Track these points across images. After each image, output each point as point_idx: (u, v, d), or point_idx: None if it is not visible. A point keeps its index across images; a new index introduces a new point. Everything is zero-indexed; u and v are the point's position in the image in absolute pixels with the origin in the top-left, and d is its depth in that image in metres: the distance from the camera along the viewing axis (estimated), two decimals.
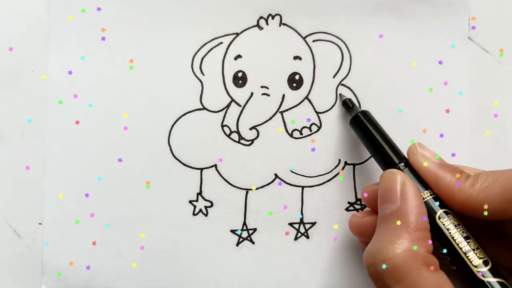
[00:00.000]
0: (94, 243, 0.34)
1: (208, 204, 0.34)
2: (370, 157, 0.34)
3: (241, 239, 0.34)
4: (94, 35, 0.35)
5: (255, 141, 0.34)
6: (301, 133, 0.35)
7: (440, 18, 0.34)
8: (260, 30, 0.35)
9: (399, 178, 0.27)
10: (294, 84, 0.35)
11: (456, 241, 0.25)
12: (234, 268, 0.34)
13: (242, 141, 0.34)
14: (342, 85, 0.35)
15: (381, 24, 0.35)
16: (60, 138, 0.35)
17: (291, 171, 0.34)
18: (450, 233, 0.26)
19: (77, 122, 0.34)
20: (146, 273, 0.34)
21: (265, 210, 0.34)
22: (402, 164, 0.29)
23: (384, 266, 0.24)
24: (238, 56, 0.35)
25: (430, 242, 0.25)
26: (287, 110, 0.35)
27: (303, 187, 0.35)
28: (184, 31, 0.35)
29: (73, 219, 0.34)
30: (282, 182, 0.34)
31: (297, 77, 0.35)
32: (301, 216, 0.34)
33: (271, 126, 0.35)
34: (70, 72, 0.35)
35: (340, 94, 0.34)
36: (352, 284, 0.34)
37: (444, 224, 0.26)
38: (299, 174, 0.34)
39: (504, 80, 0.35)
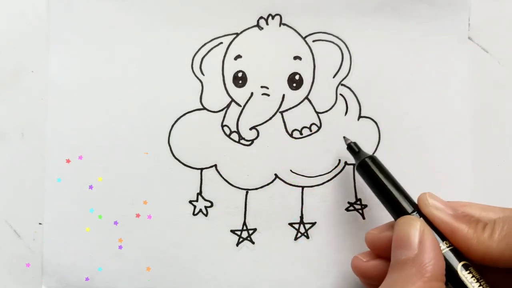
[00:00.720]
0: (94, 243, 0.34)
1: (208, 204, 0.34)
2: None
3: (241, 239, 0.35)
4: (94, 35, 0.35)
5: (255, 141, 0.34)
6: (301, 133, 0.35)
7: (440, 18, 0.34)
8: (260, 30, 0.35)
9: (419, 225, 0.26)
10: (294, 84, 0.35)
11: None
12: (234, 268, 0.34)
13: (242, 141, 0.34)
14: (342, 85, 0.35)
15: (381, 24, 0.35)
16: (60, 138, 0.35)
17: (291, 171, 0.34)
18: (473, 287, 0.25)
19: (77, 122, 0.34)
20: (146, 273, 0.34)
21: (265, 210, 0.34)
22: (415, 213, 0.28)
23: None
24: (238, 56, 0.35)
25: None
26: (287, 110, 0.35)
27: (303, 187, 0.35)
28: (184, 31, 0.35)
29: (73, 219, 0.34)
30: (282, 182, 0.34)
31: (297, 77, 0.35)
32: (301, 216, 0.35)
33: (271, 126, 0.35)
34: (70, 72, 0.35)
35: (344, 137, 0.33)
36: (352, 284, 0.34)
37: (466, 277, 0.25)
38: (299, 174, 0.34)
39: (504, 80, 0.35)
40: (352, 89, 0.35)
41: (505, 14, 0.35)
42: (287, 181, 0.34)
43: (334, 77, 0.35)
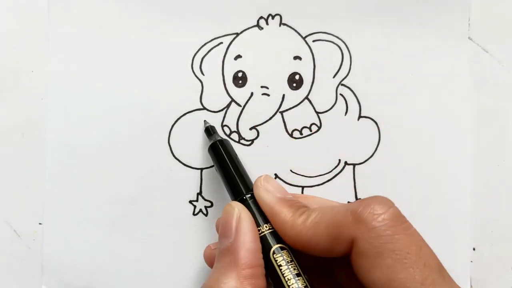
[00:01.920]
0: (94, 243, 0.34)
1: (208, 204, 0.34)
2: (370, 157, 0.34)
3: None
4: (94, 35, 0.35)
5: (255, 141, 0.34)
6: (301, 133, 0.35)
7: (440, 18, 0.34)
8: (260, 30, 0.35)
9: (236, 211, 0.26)
10: (294, 84, 0.35)
11: (286, 277, 0.25)
12: None
13: (242, 141, 0.34)
14: (342, 85, 0.35)
15: (381, 24, 0.35)
16: (60, 138, 0.35)
17: (291, 171, 0.34)
18: (281, 269, 0.25)
19: (77, 122, 0.34)
20: (146, 273, 0.34)
21: None
22: (249, 195, 0.28)
23: None
24: (238, 56, 0.35)
25: (261, 279, 0.25)
26: (287, 110, 0.35)
27: (303, 187, 0.35)
28: (184, 31, 0.35)
29: (73, 219, 0.34)
30: (282, 182, 0.34)
31: (297, 77, 0.35)
32: None
33: (271, 126, 0.35)
34: (70, 72, 0.35)
35: (204, 121, 0.34)
36: None
37: (276, 260, 0.25)
38: (299, 174, 0.34)
39: (504, 80, 0.35)
40: (352, 89, 0.35)
41: (505, 14, 0.35)
42: (287, 181, 0.34)
43: (334, 77, 0.35)
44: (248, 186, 0.29)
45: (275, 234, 0.26)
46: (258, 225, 0.27)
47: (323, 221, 0.24)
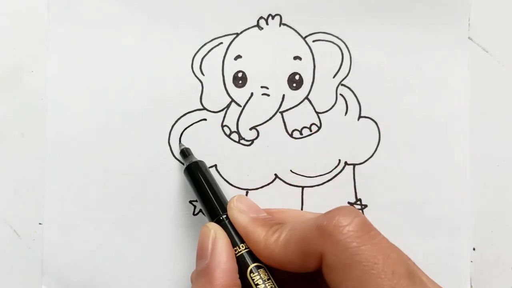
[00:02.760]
0: (94, 243, 0.34)
1: None
2: (370, 157, 0.34)
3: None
4: (94, 35, 0.35)
5: (255, 141, 0.34)
6: (301, 133, 0.35)
7: (440, 18, 0.34)
8: (260, 30, 0.35)
9: (211, 233, 0.27)
10: (294, 84, 0.35)
11: None
12: None
13: (242, 141, 0.34)
14: (342, 85, 0.35)
15: (381, 24, 0.35)
16: (60, 138, 0.35)
17: (291, 171, 0.34)
18: (258, 287, 0.25)
19: (77, 122, 0.34)
20: (146, 273, 0.34)
21: None
22: (225, 216, 0.28)
23: None
24: (238, 56, 0.35)
25: None
26: (287, 110, 0.35)
27: (303, 187, 0.35)
28: (184, 31, 0.35)
29: (73, 219, 0.34)
30: (282, 182, 0.34)
31: (297, 77, 0.35)
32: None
33: (271, 126, 0.35)
34: (70, 72, 0.35)
35: (179, 143, 0.34)
36: None
37: (253, 279, 0.26)
38: (299, 174, 0.34)
39: (504, 80, 0.35)
40: (352, 89, 0.35)
41: (505, 14, 0.35)
42: (287, 181, 0.34)
43: (334, 77, 0.35)
44: (224, 207, 0.29)
45: (251, 253, 0.27)
46: (234, 245, 0.27)
47: (292, 238, 0.24)
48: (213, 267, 0.25)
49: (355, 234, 0.22)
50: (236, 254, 0.26)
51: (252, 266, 0.26)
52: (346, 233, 0.22)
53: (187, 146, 0.34)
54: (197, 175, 0.31)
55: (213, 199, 0.30)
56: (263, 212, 0.28)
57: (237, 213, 0.28)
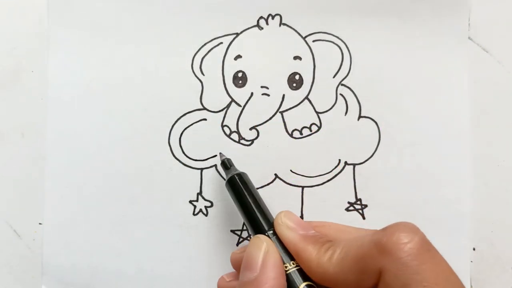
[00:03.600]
0: (94, 243, 0.34)
1: (208, 204, 0.34)
2: (370, 157, 0.34)
3: (241, 239, 0.35)
4: (94, 35, 0.35)
5: (255, 141, 0.34)
6: (301, 133, 0.35)
7: (440, 18, 0.34)
8: (260, 30, 0.35)
9: (264, 246, 0.26)
10: (294, 84, 0.35)
11: None
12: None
13: (242, 141, 0.34)
14: (342, 85, 0.35)
15: (381, 24, 0.35)
16: (60, 138, 0.35)
17: (291, 171, 0.34)
18: None
19: (77, 122, 0.34)
20: (146, 273, 0.34)
21: None
22: (271, 232, 0.28)
23: None
24: (238, 56, 0.35)
25: None
26: (287, 110, 0.35)
27: (303, 187, 0.35)
28: (184, 31, 0.35)
29: (73, 219, 0.34)
30: (282, 182, 0.34)
31: (297, 77, 0.35)
32: (301, 216, 0.34)
33: (271, 126, 0.35)
34: (70, 72, 0.35)
35: (220, 153, 0.34)
36: None
37: None
38: (299, 174, 0.34)
39: (504, 80, 0.35)
40: (352, 89, 0.35)
41: (505, 14, 0.35)
42: (287, 181, 0.34)
43: (334, 77, 0.35)
44: (269, 221, 0.28)
45: (302, 272, 0.26)
46: (284, 261, 0.26)
47: (348, 256, 0.24)
48: (262, 281, 0.24)
49: (416, 252, 0.22)
50: (286, 271, 0.26)
51: (303, 285, 0.25)
52: (407, 251, 0.22)
53: (228, 157, 0.33)
54: (240, 188, 0.30)
55: (258, 214, 0.29)
56: (311, 228, 0.27)
57: (286, 229, 0.27)
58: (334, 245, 0.25)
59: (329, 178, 0.34)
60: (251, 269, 0.25)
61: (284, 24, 0.35)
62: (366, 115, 0.35)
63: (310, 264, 0.25)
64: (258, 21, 0.35)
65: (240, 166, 0.34)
